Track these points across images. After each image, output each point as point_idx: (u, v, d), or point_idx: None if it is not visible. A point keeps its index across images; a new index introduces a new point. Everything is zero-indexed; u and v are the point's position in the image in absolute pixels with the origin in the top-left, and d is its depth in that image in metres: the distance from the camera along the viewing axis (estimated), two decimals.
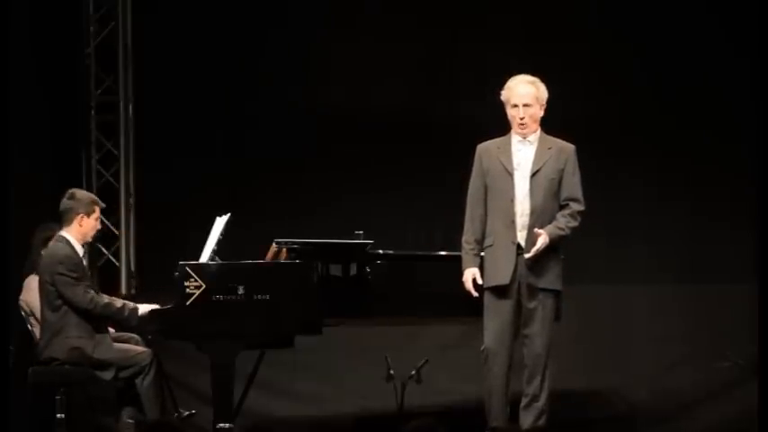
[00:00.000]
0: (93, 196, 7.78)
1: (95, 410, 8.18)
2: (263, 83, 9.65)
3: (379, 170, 9.38)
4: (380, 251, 7.45)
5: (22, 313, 7.94)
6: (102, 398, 7.98)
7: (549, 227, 6.79)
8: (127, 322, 7.44)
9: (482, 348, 6.87)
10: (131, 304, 7.43)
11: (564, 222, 6.84)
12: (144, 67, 9.73)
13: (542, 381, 6.85)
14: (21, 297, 8.01)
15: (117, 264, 9.67)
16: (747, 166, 8.87)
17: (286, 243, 7.39)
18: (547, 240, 6.75)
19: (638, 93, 9.39)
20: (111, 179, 9.74)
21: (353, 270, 7.45)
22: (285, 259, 7.43)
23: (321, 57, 9.61)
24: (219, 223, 7.58)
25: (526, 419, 6.85)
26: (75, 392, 7.68)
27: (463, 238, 6.97)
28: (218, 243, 7.49)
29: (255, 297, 7.22)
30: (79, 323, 7.39)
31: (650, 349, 9.14)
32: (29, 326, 7.92)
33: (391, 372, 7.89)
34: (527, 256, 6.76)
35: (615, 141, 9.42)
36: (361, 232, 7.50)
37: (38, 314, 7.85)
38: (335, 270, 7.43)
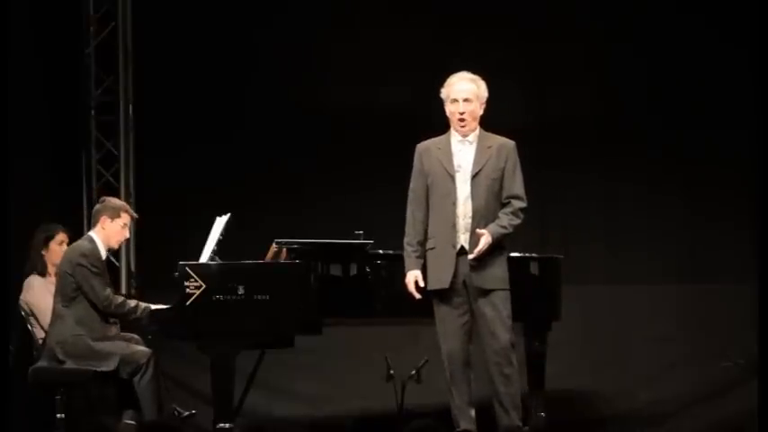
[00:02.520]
0: (123, 204, 7.86)
1: (95, 410, 8.19)
2: (263, 83, 9.65)
3: (380, 170, 9.37)
4: (380, 251, 7.45)
5: (22, 313, 7.96)
6: (102, 398, 7.98)
7: (492, 226, 6.73)
8: (139, 322, 7.46)
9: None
10: (144, 304, 7.46)
11: (507, 221, 6.77)
12: (144, 67, 9.73)
13: (508, 375, 6.74)
14: (21, 297, 8.02)
15: (117, 264, 9.67)
16: (747, 166, 8.86)
17: (286, 243, 7.39)
18: (490, 240, 6.68)
19: (639, 93, 9.40)
20: (111, 179, 9.74)
21: (353, 270, 7.45)
22: (285, 259, 7.43)
23: (321, 57, 9.62)
24: (219, 223, 7.58)
25: (501, 416, 6.78)
26: (76, 392, 7.69)
27: (405, 240, 6.90)
28: (218, 243, 7.49)
29: (255, 297, 7.22)
30: (87, 317, 7.45)
31: (650, 349, 9.14)
32: (29, 326, 7.93)
33: (391, 372, 7.88)
34: (470, 257, 6.73)
35: (615, 141, 9.43)
36: (361, 232, 7.49)
37: (38, 314, 7.87)
38: (335, 270, 7.43)
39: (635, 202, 9.47)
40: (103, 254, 7.63)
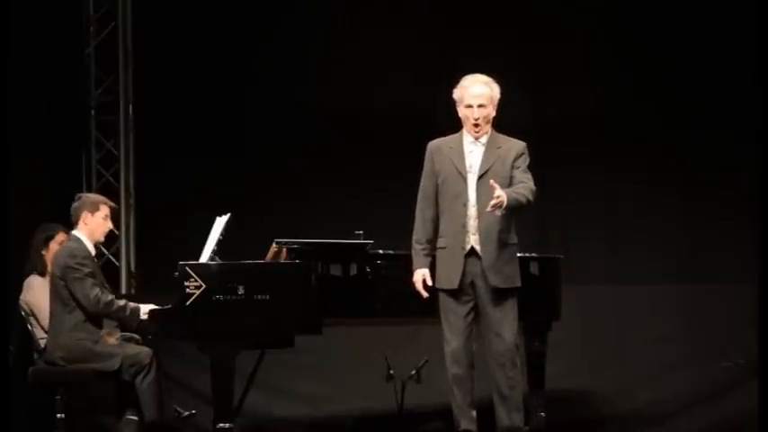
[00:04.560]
0: (99, 197, 7.85)
1: (95, 410, 8.18)
2: (263, 83, 9.65)
3: (380, 170, 9.39)
4: (380, 251, 7.45)
5: (22, 313, 7.95)
6: (102, 398, 7.98)
7: (507, 190, 6.60)
8: (128, 322, 7.46)
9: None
10: (133, 304, 7.45)
11: (521, 189, 6.65)
12: (144, 67, 9.74)
13: (511, 377, 6.74)
14: (21, 297, 8.01)
15: (117, 264, 9.68)
16: (748, 166, 8.87)
17: (286, 243, 7.39)
18: (504, 197, 6.52)
19: (639, 93, 9.40)
20: (111, 179, 9.75)
21: (353, 270, 7.45)
22: (285, 259, 7.43)
23: (321, 57, 9.62)
24: (219, 223, 7.58)
25: (502, 418, 6.77)
26: (76, 392, 7.69)
27: (414, 238, 6.88)
28: (218, 243, 7.49)
29: (255, 297, 7.22)
30: (86, 320, 7.44)
31: (650, 349, 9.13)
32: (29, 326, 7.92)
33: (391, 372, 7.89)
34: (487, 209, 6.57)
35: (615, 141, 9.43)
36: (361, 232, 7.49)
37: (38, 314, 7.87)
38: (335, 270, 7.43)
39: (635, 202, 9.47)
40: (92, 250, 7.61)
